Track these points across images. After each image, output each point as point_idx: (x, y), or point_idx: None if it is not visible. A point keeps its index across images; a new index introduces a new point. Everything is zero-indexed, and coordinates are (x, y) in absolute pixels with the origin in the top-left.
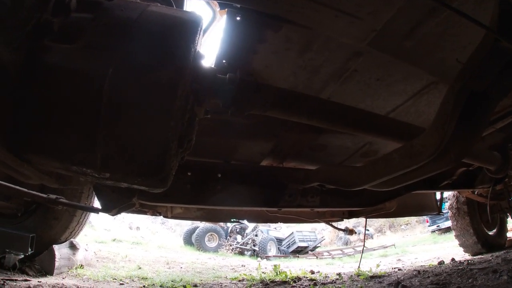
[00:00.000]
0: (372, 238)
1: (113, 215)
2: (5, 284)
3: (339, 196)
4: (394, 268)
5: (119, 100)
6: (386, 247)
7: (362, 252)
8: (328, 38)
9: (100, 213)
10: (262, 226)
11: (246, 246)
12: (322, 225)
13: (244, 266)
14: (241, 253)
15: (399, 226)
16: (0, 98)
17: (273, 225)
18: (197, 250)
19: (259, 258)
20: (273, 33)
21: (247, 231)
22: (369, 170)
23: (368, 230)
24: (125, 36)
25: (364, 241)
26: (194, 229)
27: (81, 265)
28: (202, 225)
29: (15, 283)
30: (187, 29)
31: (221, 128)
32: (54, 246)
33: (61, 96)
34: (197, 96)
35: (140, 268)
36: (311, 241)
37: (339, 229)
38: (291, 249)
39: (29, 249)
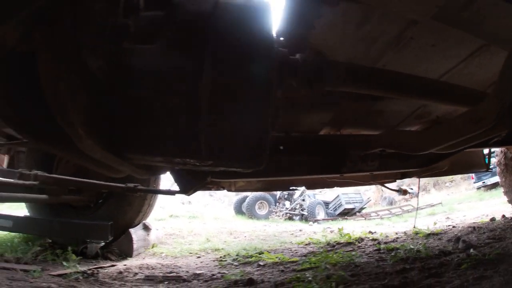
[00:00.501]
0: (416, 196)
1: (189, 195)
2: (98, 272)
3: (396, 159)
4: (448, 225)
5: (219, 92)
6: (433, 205)
7: (417, 211)
8: (386, 11)
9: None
10: (309, 191)
11: (294, 211)
12: (366, 186)
13: (302, 230)
14: (290, 218)
15: (444, 183)
16: (97, 104)
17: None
18: (249, 219)
19: (311, 222)
20: (330, 8)
21: (295, 196)
22: (434, 135)
23: (412, 188)
24: (209, 29)
25: (418, 201)
26: (243, 199)
27: (155, 244)
28: (251, 194)
29: (106, 270)
30: (266, 15)
31: (284, 104)
32: (130, 230)
33: (158, 96)
34: (280, 79)
35: (209, 240)
36: (357, 202)
37: (393, 190)
38: (337, 212)
39: (110, 236)
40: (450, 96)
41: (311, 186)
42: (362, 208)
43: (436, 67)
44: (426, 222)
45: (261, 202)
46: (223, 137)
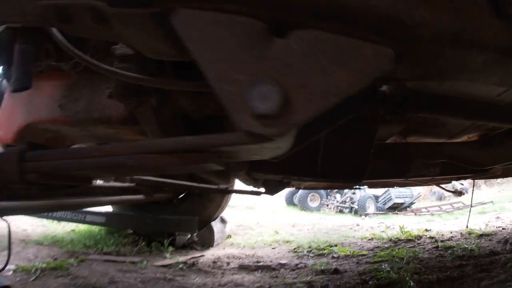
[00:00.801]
0: (467, 192)
1: (272, 195)
2: (197, 262)
3: (456, 167)
4: (499, 227)
5: (333, 133)
6: (484, 203)
7: (470, 211)
8: None
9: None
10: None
11: (344, 204)
12: None
13: (359, 225)
14: (341, 211)
15: (495, 179)
16: None
17: None
18: (301, 210)
19: (362, 216)
20: None
21: (345, 189)
22: (499, 153)
23: (462, 184)
24: None
25: (471, 201)
26: (296, 191)
27: (230, 235)
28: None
29: (201, 260)
30: None
31: None
32: (212, 223)
33: None
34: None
35: (277, 232)
36: (406, 197)
37: (449, 191)
38: (387, 206)
39: (196, 230)
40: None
41: (373, 185)
42: (412, 203)
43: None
44: (477, 221)
45: (312, 195)
46: (335, 164)
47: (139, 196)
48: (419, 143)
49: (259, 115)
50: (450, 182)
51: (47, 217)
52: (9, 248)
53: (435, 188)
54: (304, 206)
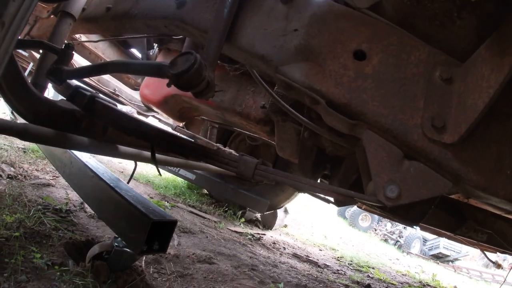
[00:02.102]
0: (507, 273)
1: (339, 207)
2: (262, 238)
3: (502, 240)
4: None
5: None
6: None
7: (501, 286)
8: None
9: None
10: None
11: (392, 235)
12: None
13: (398, 259)
14: (386, 240)
15: None
16: None
17: None
18: (349, 226)
19: (405, 253)
20: None
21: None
22: None
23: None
24: None
25: (506, 277)
26: (350, 205)
27: (286, 225)
28: None
29: (264, 237)
30: None
31: None
32: (277, 210)
33: None
34: None
35: (326, 238)
36: (454, 251)
37: (489, 259)
38: (432, 252)
39: (265, 211)
40: None
41: (424, 229)
42: (457, 259)
43: None
44: None
45: (365, 215)
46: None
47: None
48: (477, 207)
49: (387, 197)
50: (496, 252)
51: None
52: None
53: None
54: (353, 223)
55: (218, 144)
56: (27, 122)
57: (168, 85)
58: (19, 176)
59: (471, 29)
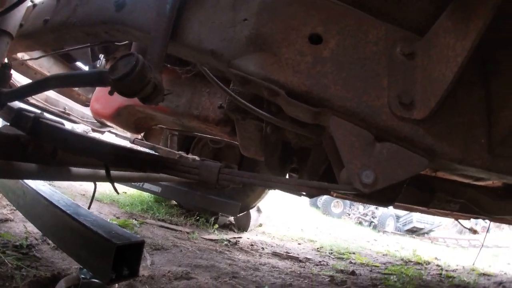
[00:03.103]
0: (489, 232)
1: (311, 198)
2: (238, 242)
3: (476, 207)
4: (502, 270)
5: None
6: (500, 247)
7: (479, 251)
8: None
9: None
10: None
11: (365, 217)
12: None
13: (376, 240)
14: (360, 223)
15: None
16: None
17: None
18: (323, 214)
19: (380, 233)
20: None
21: None
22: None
23: (486, 222)
24: None
25: (484, 242)
26: None
27: (261, 224)
28: None
29: (240, 241)
30: None
31: None
32: (250, 210)
33: None
34: None
35: (302, 230)
36: (427, 223)
37: (464, 227)
38: (406, 227)
39: (237, 214)
40: None
41: (398, 207)
42: (431, 230)
43: None
44: (486, 262)
45: (337, 201)
46: None
47: (195, 176)
48: (446, 179)
49: (363, 184)
50: (469, 219)
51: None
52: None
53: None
54: (326, 211)
55: (180, 152)
56: None
57: (110, 93)
58: None
59: (426, 1)
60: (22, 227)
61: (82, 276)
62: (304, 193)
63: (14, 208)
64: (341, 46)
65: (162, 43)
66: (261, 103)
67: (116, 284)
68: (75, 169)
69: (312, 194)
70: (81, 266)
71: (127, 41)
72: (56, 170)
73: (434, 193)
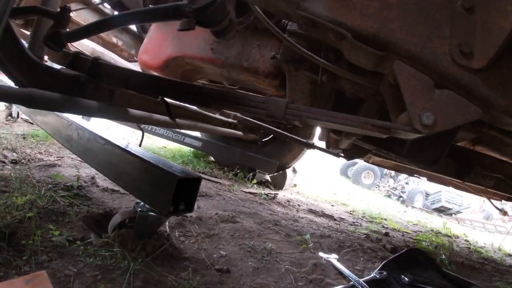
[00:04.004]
0: None
1: (348, 160)
2: (275, 197)
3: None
4: None
5: None
6: None
7: (507, 233)
8: None
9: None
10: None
11: (395, 191)
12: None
13: (405, 212)
14: (389, 196)
15: None
16: None
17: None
18: (353, 184)
19: (409, 207)
20: None
21: (400, 177)
22: None
23: None
24: None
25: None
26: (353, 163)
27: (295, 184)
28: (361, 161)
29: (278, 197)
30: None
31: None
32: (286, 169)
33: None
34: None
35: (335, 194)
36: (456, 204)
37: (496, 207)
38: (434, 206)
39: (274, 172)
40: None
41: (432, 179)
42: (458, 212)
43: None
44: None
45: (367, 172)
46: (418, 149)
47: (239, 132)
48: (484, 154)
49: (423, 125)
50: (501, 200)
51: (150, 132)
52: None
53: (485, 206)
54: (356, 181)
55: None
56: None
57: (189, 24)
58: (23, 160)
59: None
60: (71, 171)
61: (139, 209)
62: (342, 154)
63: (61, 155)
64: None
65: None
66: (317, 53)
67: (167, 222)
68: (132, 111)
69: (350, 155)
70: (137, 201)
71: None
72: (115, 110)
73: (472, 167)
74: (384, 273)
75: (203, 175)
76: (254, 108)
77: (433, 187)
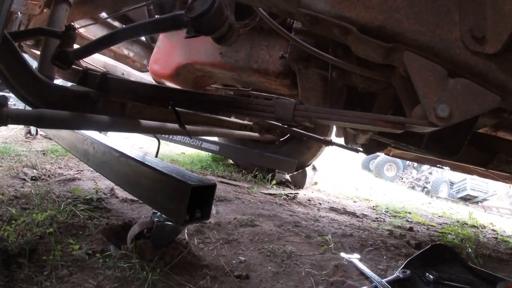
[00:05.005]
0: None
1: (368, 155)
2: (296, 197)
3: None
4: None
5: None
6: None
7: None
8: None
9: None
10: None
11: (418, 182)
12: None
13: (430, 204)
14: (413, 187)
15: None
16: None
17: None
18: (375, 177)
19: (434, 198)
20: None
21: (423, 167)
22: None
23: None
24: None
25: None
26: (374, 156)
27: (316, 182)
28: (382, 154)
29: (298, 196)
30: None
31: None
32: (306, 168)
33: None
34: None
35: (357, 189)
36: (481, 192)
37: None
38: (459, 195)
39: (294, 171)
40: None
41: (455, 168)
42: (485, 199)
43: None
44: None
45: (390, 164)
46: (437, 140)
47: (255, 134)
48: (507, 139)
49: (439, 117)
50: None
51: (168, 140)
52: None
53: None
54: (379, 174)
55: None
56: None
57: (188, 33)
58: (43, 176)
59: None
60: (91, 184)
61: (156, 219)
62: (361, 150)
63: (81, 169)
64: None
65: None
66: (325, 50)
67: (186, 229)
68: (144, 122)
69: (369, 149)
70: (154, 211)
71: None
72: (127, 122)
73: (495, 154)
74: (408, 271)
75: (221, 179)
76: (262, 112)
77: (458, 176)
